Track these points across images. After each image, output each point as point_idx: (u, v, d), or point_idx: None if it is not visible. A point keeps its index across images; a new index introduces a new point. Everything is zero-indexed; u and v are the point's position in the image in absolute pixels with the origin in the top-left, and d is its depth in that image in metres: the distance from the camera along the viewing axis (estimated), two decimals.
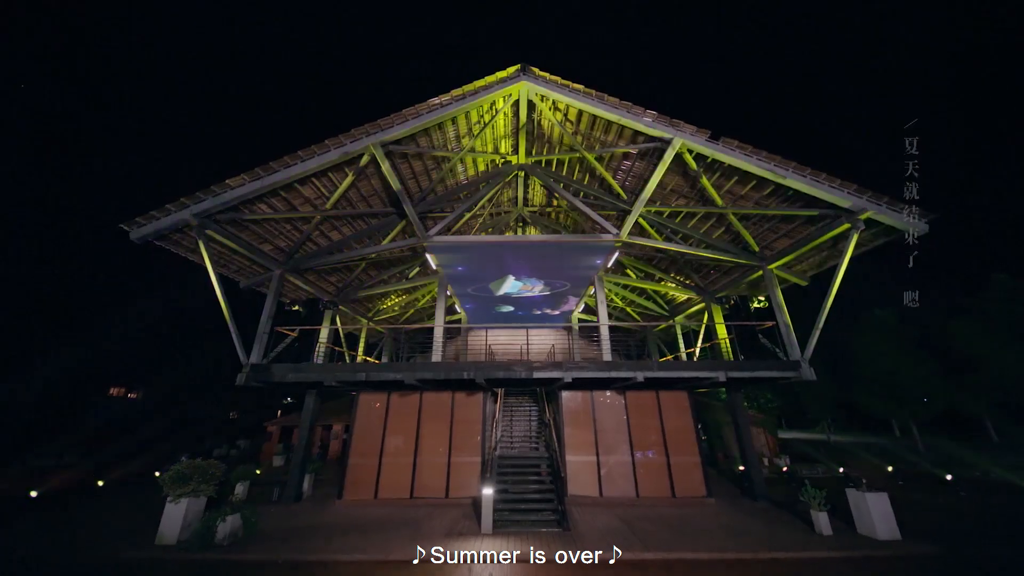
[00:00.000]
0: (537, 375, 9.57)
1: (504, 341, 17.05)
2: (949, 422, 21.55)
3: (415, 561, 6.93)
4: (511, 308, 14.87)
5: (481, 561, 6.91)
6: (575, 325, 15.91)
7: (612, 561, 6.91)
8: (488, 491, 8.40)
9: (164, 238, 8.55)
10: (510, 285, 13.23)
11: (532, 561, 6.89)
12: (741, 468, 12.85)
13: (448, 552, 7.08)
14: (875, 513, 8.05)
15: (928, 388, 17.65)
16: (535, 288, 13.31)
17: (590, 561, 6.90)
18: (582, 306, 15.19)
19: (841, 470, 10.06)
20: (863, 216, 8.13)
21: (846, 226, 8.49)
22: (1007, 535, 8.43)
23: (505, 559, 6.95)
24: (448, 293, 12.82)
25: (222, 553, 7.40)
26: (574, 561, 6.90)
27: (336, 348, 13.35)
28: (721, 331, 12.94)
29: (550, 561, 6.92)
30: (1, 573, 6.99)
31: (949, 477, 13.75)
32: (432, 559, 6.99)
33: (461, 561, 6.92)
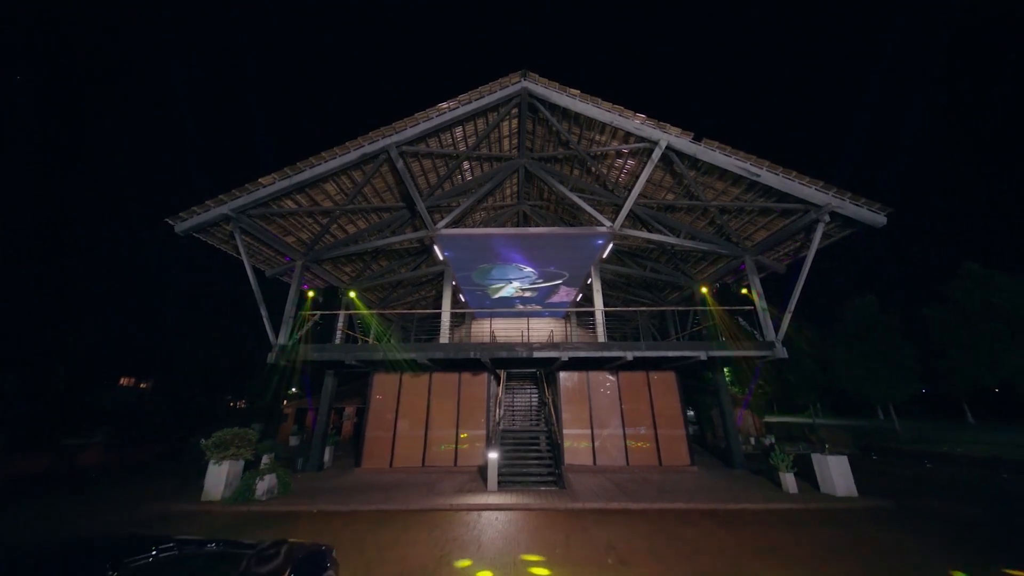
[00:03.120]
0: (537, 355, 10.58)
1: (506, 328, 18.09)
2: (930, 406, 22.61)
3: (430, 510, 8.02)
4: (508, 295, 15.95)
5: (488, 511, 8.01)
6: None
7: (602, 509, 8.01)
8: (493, 454, 9.48)
9: (203, 231, 9.53)
10: (507, 291, 14.43)
11: (533, 510, 7.99)
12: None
13: (459, 503, 8.18)
14: (835, 473, 9.10)
15: (906, 372, 18.71)
16: (527, 291, 14.47)
17: (583, 508, 7.99)
18: (580, 296, 16.16)
19: (827, 447, 11.03)
20: (829, 209, 9.06)
21: (814, 218, 9.42)
22: (952, 493, 9.53)
23: (509, 508, 8.05)
24: (453, 283, 13.79)
25: (262, 506, 8.51)
26: (569, 508, 8.00)
27: (350, 333, 14.37)
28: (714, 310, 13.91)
29: (548, 509, 8.02)
30: (73, 530, 8.06)
31: (918, 451, 14.85)
32: (445, 509, 8.09)
33: (471, 510, 8.03)
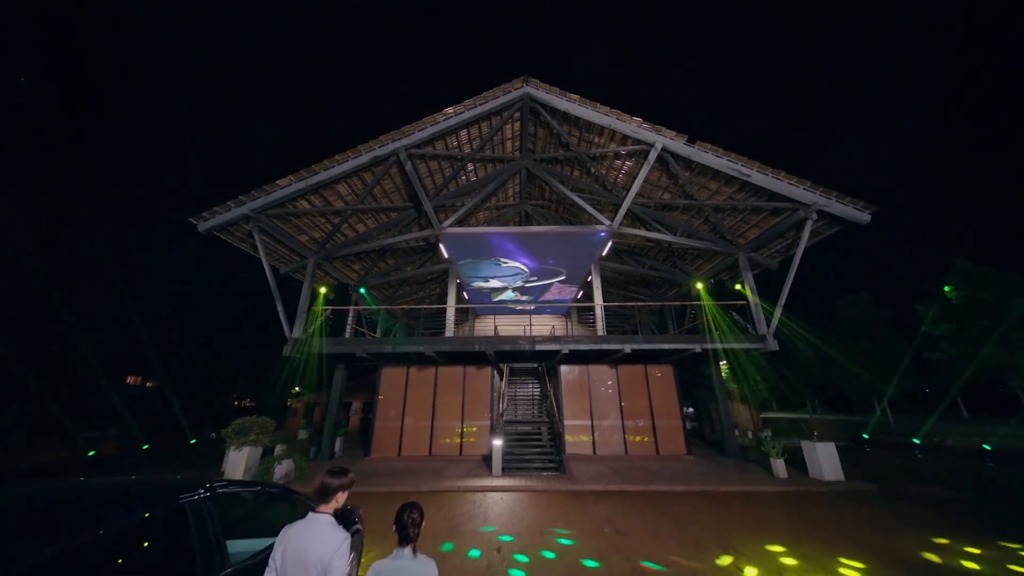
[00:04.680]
0: (539, 348, 11.09)
1: (509, 324, 18.61)
2: (926, 403, 22.99)
3: (439, 491, 8.53)
4: (507, 298, 16.68)
5: (494, 492, 8.52)
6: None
7: (601, 490, 8.51)
8: (498, 441, 9.98)
9: (223, 230, 10.07)
10: (506, 295, 15.07)
11: (536, 491, 8.50)
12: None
13: (466, 485, 8.70)
14: (823, 459, 9.57)
15: (898, 367, 19.14)
16: (517, 289, 15.18)
17: (583, 490, 8.49)
18: (580, 293, 16.65)
19: (815, 434, 11.49)
20: (816, 208, 9.53)
21: (802, 216, 9.89)
22: (935, 479, 9.98)
23: (513, 490, 8.56)
24: (458, 281, 14.30)
25: None
26: (570, 490, 8.50)
27: (359, 328, 14.91)
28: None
29: (550, 491, 8.52)
30: None
31: (917, 441, 15.25)
32: (453, 490, 8.60)
33: (478, 491, 8.54)
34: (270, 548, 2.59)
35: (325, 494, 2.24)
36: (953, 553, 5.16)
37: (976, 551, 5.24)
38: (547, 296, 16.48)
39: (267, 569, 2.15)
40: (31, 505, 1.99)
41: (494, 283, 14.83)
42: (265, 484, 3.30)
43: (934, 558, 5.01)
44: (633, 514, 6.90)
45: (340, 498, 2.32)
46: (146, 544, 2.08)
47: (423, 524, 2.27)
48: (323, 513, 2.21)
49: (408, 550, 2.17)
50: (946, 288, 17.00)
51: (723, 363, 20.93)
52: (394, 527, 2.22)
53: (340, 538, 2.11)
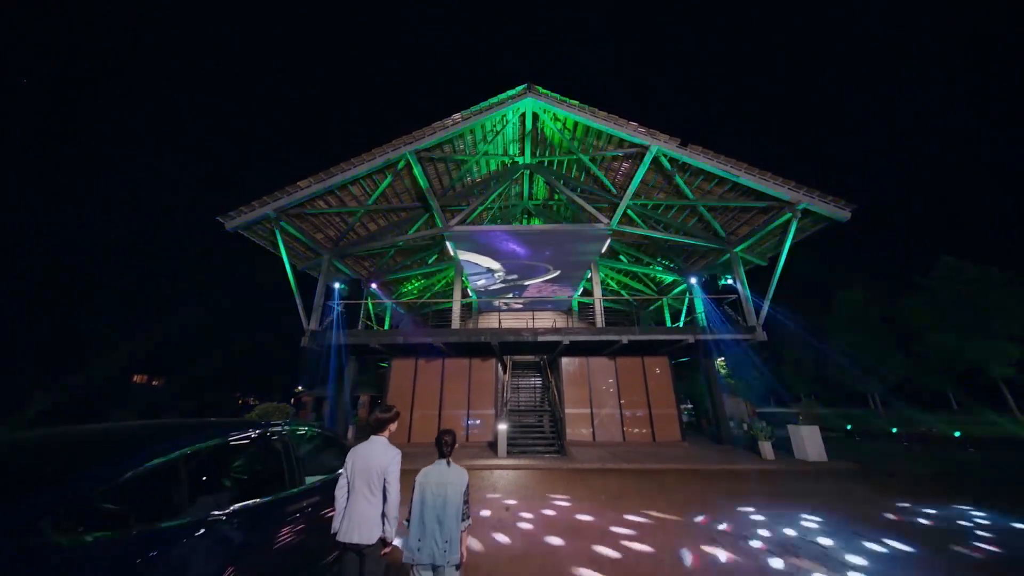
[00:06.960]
0: (541, 339, 11.75)
1: (512, 321, 19.29)
2: (915, 394, 23.59)
3: None
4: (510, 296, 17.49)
5: (500, 469, 9.20)
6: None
7: (599, 468, 9.18)
8: (503, 426, 10.66)
9: (248, 228, 10.78)
10: (507, 296, 16.51)
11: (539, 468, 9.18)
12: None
13: (475, 464, 9.39)
14: (808, 441, 10.22)
15: (888, 360, 19.73)
16: (524, 291, 16.00)
17: (582, 468, 9.17)
18: (580, 290, 17.32)
19: (801, 418, 12.16)
20: (800, 206, 10.19)
21: (788, 215, 10.55)
22: (915, 461, 10.62)
23: (519, 468, 9.23)
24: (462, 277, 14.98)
25: None
26: (571, 468, 9.17)
27: (368, 323, 15.62)
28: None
29: (553, 469, 9.19)
30: None
31: (895, 430, 15.91)
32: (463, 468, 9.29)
33: (485, 469, 9.22)
34: (324, 481, 3.35)
35: (379, 425, 2.95)
36: (911, 513, 5.85)
37: (931, 513, 5.92)
38: (549, 293, 17.16)
39: (340, 477, 2.86)
40: (222, 424, 2.83)
41: (497, 282, 15.50)
42: (323, 428, 4.01)
43: (892, 515, 5.69)
44: (628, 485, 7.57)
45: (391, 428, 3.02)
46: (259, 451, 2.99)
47: (455, 445, 2.98)
48: (381, 437, 2.92)
49: (444, 462, 2.88)
50: (933, 283, 17.63)
51: (720, 360, 21.57)
52: (435, 445, 2.93)
53: (394, 452, 2.83)
